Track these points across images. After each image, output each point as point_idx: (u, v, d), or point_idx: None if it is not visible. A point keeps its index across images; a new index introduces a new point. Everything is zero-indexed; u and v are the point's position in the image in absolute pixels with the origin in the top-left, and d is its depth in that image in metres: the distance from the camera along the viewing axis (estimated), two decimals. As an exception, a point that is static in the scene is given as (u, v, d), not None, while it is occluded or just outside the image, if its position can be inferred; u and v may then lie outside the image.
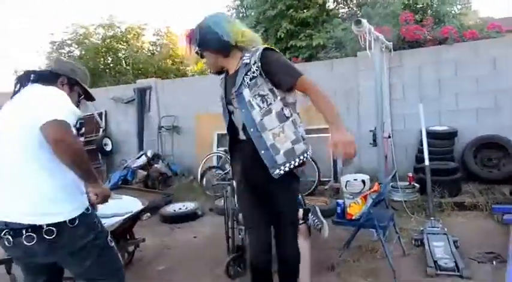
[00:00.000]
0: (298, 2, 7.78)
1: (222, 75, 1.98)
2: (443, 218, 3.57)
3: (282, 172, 1.74)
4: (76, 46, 10.92)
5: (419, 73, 4.79)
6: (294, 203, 1.99)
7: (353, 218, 2.79)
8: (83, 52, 10.55)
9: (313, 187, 4.84)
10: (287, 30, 7.37)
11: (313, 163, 4.80)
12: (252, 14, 7.79)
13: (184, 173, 6.11)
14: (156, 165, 5.67)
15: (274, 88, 1.75)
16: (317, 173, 4.85)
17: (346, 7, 8.93)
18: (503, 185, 4.14)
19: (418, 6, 6.82)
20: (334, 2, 8.75)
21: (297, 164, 1.75)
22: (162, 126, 6.36)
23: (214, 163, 5.73)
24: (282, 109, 1.75)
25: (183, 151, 6.32)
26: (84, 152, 1.53)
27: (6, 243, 1.47)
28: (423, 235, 3.10)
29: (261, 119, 1.74)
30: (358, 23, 3.01)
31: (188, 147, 6.21)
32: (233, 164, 2.06)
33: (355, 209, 2.80)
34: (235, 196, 2.49)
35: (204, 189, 5.27)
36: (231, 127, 1.93)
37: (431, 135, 4.35)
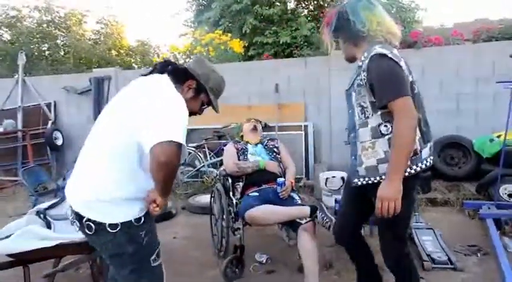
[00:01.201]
0: (263, -2, 7.75)
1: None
2: (419, 214, 3.71)
3: (359, 184, 1.73)
4: (6, 29, 9.88)
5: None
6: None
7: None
8: (15, 36, 9.57)
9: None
10: (252, 25, 7.29)
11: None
12: (216, 7, 7.59)
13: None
14: (118, 162, 5.27)
15: (375, 101, 1.63)
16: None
17: (306, 9, 9.09)
18: (465, 182, 4.44)
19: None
20: (295, 2, 8.86)
21: (376, 181, 1.65)
22: (123, 120, 5.93)
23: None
24: (379, 125, 1.64)
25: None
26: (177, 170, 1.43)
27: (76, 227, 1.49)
28: (410, 230, 3.19)
29: (358, 129, 1.71)
30: None
31: (151, 142, 5.85)
32: None
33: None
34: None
35: (173, 187, 4.99)
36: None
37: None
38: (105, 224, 1.38)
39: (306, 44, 6.68)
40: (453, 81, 4.82)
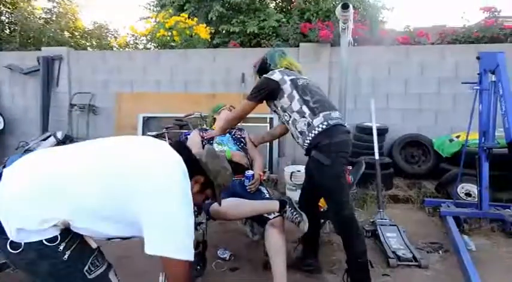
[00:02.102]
0: (231, -15, 7.50)
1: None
2: (383, 210, 3.71)
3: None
4: None
5: (357, 71, 4.97)
6: None
7: (321, 210, 2.69)
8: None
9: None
10: (219, 13, 7.03)
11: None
12: (181, -9, 7.24)
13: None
14: (67, 149, 4.85)
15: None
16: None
17: (274, 0, 8.95)
18: (425, 180, 4.54)
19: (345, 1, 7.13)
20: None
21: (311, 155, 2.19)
22: (75, 105, 5.48)
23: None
24: (283, 115, 2.33)
25: (100, 134, 5.51)
26: None
27: None
28: (374, 226, 3.17)
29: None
30: (345, 7, 2.90)
31: (106, 130, 5.44)
32: None
33: (323, 201, 2.69)
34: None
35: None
36: None
37: (366, 130, 4.55)
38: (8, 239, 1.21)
39: (274, 35, 6.54)
40: (417, 80, 4.91)
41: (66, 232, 1.26)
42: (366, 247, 2.23)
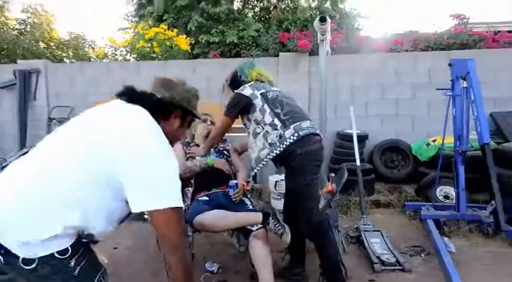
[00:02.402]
0: (210, -5, 7.55)
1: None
2: (366, 216, 3.79)
3: (256, 171, 2.39)
4: None
5: (336, 79, 5.08)
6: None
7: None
8: None
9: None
10: (198, 23, 7.06)
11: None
12: (160, 1, 7.23)
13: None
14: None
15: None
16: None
17: (252, 10, 9.05)
18: (405, 184, 4.65)
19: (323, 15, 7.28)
20: (242, 2, 8.77)
21: (262, 165, 2.32)
22: (53, 118, 5.37)
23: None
24: (255, 128, 2.37)
25: (80, 148, 5.44)
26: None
27: None
28: (359, 232, 3.23)
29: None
30: (323, 20, 2.98)
31: (86, 143, 5.36)
32: None
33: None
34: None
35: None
36: None
37: (347, 137, 4.64)
38: (19, 257, 1.17)
39: (253, 44, 6.61)
40: (393, 87, 5.05)
41: (76, 245, 1.24)
42: (336, 250, 2.44)
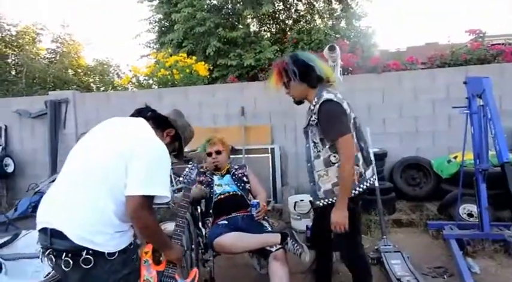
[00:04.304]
0: (226, 21, 7.84)
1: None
2: (387, 237, 3.76)
3: (321, 205, 2.12)
4: None
5: (353, 98, 5.11)
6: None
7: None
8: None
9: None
10: (216, 48, 7.32)
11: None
12: (179, 29, 7.55)
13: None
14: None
15: (323, 138, 2.03)
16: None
17: (268, 32, 9.29)
18: (426, 202, 4.59)
19: (337, 36, 7.41)
20: (258, 25, 9.03)
21: (334, 201, 2.02)
22: (82, 145, 5.64)
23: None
24: (329, 156, 2.03)
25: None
26: (157, 227, 1.62)
27: (49, 262, 1.47)
28: (379, 253, 3.22)
29: (313, 160, 2.10)
30: (332, 48, 3.09)
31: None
32: None
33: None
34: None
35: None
36: None
37: (365, 156, 4.65)
38: (105, 252, 1.43)
39: (270, 66, 6.77)
40: (411, 104, 5.05)
41: (133, 241, 1.57)
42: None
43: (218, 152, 2.96)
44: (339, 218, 1.98)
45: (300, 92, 2.12)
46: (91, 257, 1.39)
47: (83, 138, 1.67)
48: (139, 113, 1.76)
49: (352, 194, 2.00)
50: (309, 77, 2.04)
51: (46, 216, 1.48)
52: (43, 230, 1.46)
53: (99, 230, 1.43)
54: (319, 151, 2.04)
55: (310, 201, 4.09)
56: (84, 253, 1.39)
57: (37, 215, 1.51)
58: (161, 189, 1.50)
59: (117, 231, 1.48)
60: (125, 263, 1.49)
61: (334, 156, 1.99)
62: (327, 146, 2.00)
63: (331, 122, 1.96)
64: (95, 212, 1.44)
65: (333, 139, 1.96)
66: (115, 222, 1.47)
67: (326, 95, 1.98)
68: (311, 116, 2.05)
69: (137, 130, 1.63)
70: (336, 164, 1.98)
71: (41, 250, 1.48)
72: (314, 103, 2.04)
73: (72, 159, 1.60)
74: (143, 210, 1.45)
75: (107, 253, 1.42)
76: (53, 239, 1.41)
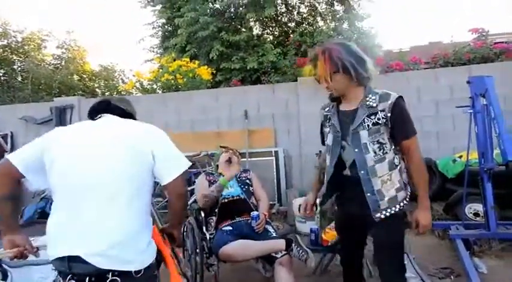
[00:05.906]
0: (229, 25, 7.86)
1: (327, 107, 2.04)
2: (392, 237, 3.76)
3: (382, 216, 1.81)
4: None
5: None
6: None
7: (329, 244, 2.75)
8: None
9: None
10: (219, 52, 7.34)
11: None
12: (182, 33, 7.59)
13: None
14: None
15: (391, 137, 1.82)
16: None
17: (271, 35, 9.30)
18: (432, 202, 4.53)
19: (340, 37, 7.41)
20: (261, 28, 9.05)
21: (397, 210, 1.83)
22: (87, 150, 5.69)
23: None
24: (394, 158, 1.82)
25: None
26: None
27: None
28: (385, 255, 3.20)
29: (373, 165, 1.79)
30: None
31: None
32: (336, 198, 2.11)
33: (331, 235, 2.76)
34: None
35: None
36: (338, 161, 1.93)
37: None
38: (131, 271, 1.34)
39: (273, 69, 6.79)
40: (415, 104, 5.03)
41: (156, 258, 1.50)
42: None
43: (231, 149, 3.13)
44: (427, 220, 1.88)
45: (345, 87, 1.86)
46: (118, 278, 1.31)
47: (58, 152, 1.45)
48: (105, 110, 1.66)
49: (407, 200, 1.88)
50: (362, 72, 1.82)
51: (63, 246, 1.34)
52: (59, 258, 1.34)
53: (129, 244, 1.36)
54: (386, 153, 1.79)
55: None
56: (109, 275, 1.31)
57: (51, 246, 1.38)
58: (186, 159, 1.60)
59: (146, 242, 1.42)
60: (149, 280, 1.44)
61: (397, 158, 1.83)
62: (393, 146, 1.83)
63: (408, 119, 1.82)
64: (126, 224, 1.36)
65: (407, 137, 1.80)
66: (148, 220, 1.48)
67: (390, 92, 1.85)
68: (372, 114, 1.80)
69: (129, 125, 1.61)
70: (398, 166, 1.82)
71: (60, 279, 1.36)
72: (374, 99, 1.83)
73: (69, 174, 1.41)
74: (185, 185, 1.56)
75: (134, 271, 1.35)
76: (70, 263, 1.31)
